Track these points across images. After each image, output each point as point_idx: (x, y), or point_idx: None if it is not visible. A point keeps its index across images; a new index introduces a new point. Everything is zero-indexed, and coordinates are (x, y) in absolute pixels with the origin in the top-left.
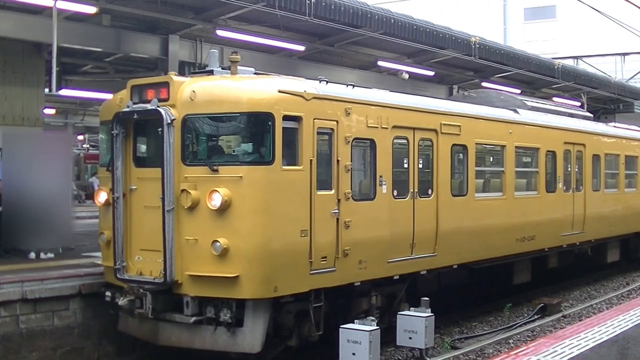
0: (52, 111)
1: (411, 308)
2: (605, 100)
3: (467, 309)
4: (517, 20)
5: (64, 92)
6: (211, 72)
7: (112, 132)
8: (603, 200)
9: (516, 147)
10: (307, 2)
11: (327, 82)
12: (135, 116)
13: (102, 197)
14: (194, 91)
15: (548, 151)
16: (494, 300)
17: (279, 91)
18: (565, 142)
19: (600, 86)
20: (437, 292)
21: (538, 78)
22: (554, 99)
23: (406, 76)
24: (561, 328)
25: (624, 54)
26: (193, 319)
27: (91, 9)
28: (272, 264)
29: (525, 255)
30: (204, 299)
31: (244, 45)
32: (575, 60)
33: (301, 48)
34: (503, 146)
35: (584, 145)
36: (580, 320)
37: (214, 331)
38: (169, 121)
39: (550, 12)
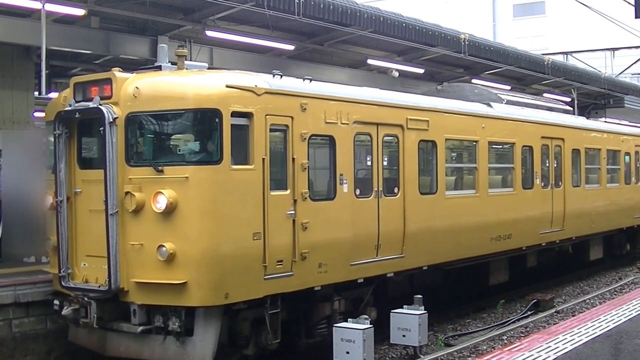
0: (42, 114)
1: (404, 306)
2: (596, 95)
3: (460, 306)
4: (506, 17)
5: (53, 95)
6: (159, 68)
7: (54, 132)
8: (584, 196)
9: (490, 142)
10: (296, 1)
11: (281, 76)
12: (77, 115)
13: (47, 201)
14: (137, 87)
15: (524, 146)
16: (487, 297)
17: (227, 86)
18: (543, 137)
19: (591, 82)
20: (409, 294)
21: (528, 74)
22: (545, 94)
23: (396, 74)
24: (554, 323)
25: (614, 49)
26: (140, 328)
27: (80, 11)
28: (222, 270)
29: (501, 255)
30: (152, 307)
31: (233, 45)
32: (565, 56)
33: (291, 47)
34: (475, 141)
35: (562, 139)
36: (573, 316)
37: (163, 341)
38: (111, 120)
39: (540, 8)
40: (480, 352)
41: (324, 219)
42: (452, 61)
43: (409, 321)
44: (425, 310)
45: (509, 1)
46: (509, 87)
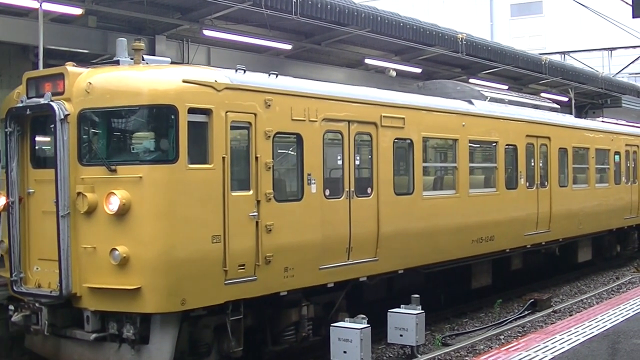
0: None
1: (402, 305)
2: (593, 95)
3: (457, 305)
4: (503, 17)
5: None
6: (117, 63)
7: (5, 130)
8: (571, 197)
9: (470, 140)
10: (294, 0)
11: (244, 71)
12: (28, 112)
13: (1, 201)
14: (90, 83)
15: (508, 145)
16: (484, 296)
17: (184, 81)
18: (528, 135)
19: (588, 81)
20: (387, 298)
21: (525, 74)
22: (542, 94)
23: (393, 74)
24: (552, 323)
25: (611, 49)
26: (94, 335)
27: (77, 11)
28: (178, 274)
29: (484, 257)
30: (106, 314)
31: (230, 45)
32: (563, 55)
33: (288, 47)
34: (455, 140)
35: (549, 138)
36: (570, 315)
37: (118, 349)
38: (62, 116)
39: (537, 8)
40: (477, 351)
41: (290, 220)
42: (449, 61)
43: (406, 321)
44: (422, 309)
45: (506, 1)
46: (506, 87)
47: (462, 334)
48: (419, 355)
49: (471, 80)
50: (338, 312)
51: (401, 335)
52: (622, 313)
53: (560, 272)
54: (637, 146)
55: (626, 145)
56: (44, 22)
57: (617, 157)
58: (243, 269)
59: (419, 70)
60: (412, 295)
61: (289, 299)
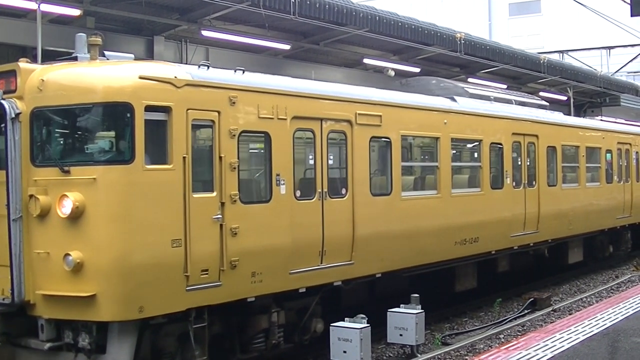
0: None
1: (401, 305)
2: (592, 94)
3: (457, 304)
4: (502, 16)
5: None
6: (75, 59)
7: None
8: (560, 197)
9: (453, 139)
10: (292, 1)
11: (208, 67)
12: None
13: None
14: (43, 80)
15: (493, 143)
16: (484, 295)
17: (141, 77)
18: (514, 133)
19: (586, 80)
20: (369, 302)
21: (524, 73)
22: (541, 93)
23: (392, 73)
24: (551, 322)
25: (609, 48)
26: (48, 345)
27: (75, 12)
28: (135, 281)
29: (468, 260)
30: (61, 322)
31: (229, 45)
32: (561, 54)
33: (286, 47)
34: (436, 138)
35: (536, 136)
36: (570, 314)
37: (74, 358)
38: (13, 115)
39: (535, 7)
40: (477, 350)
41: (257, 223)
42: (448, 60)
43: (406, 320)
44: (422, 309)
45: (504, 0)
46: (505, 86)
47: (462, 333)
48: (418, 355)
49: (470, 80)
50: (312, 317)
51: (401, 335)
52: (621, 312)
53: (550, 274)
54: (630, 144)
55: (618, 143)
56: (42, 24)
57: (608, 155)
58: (206, 274)
59: (417, 70)
60: (412, 295)
61: (258, 305)
